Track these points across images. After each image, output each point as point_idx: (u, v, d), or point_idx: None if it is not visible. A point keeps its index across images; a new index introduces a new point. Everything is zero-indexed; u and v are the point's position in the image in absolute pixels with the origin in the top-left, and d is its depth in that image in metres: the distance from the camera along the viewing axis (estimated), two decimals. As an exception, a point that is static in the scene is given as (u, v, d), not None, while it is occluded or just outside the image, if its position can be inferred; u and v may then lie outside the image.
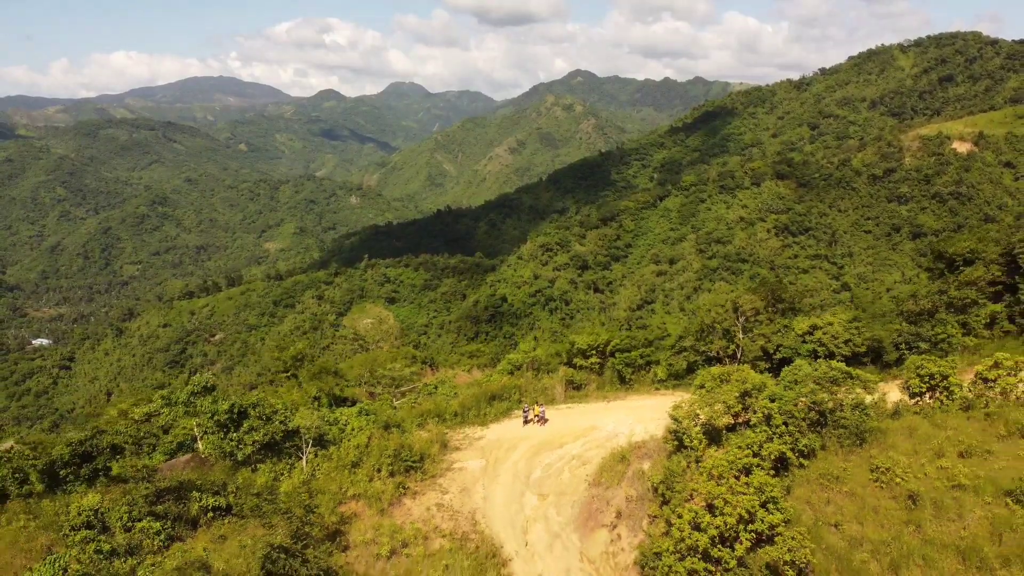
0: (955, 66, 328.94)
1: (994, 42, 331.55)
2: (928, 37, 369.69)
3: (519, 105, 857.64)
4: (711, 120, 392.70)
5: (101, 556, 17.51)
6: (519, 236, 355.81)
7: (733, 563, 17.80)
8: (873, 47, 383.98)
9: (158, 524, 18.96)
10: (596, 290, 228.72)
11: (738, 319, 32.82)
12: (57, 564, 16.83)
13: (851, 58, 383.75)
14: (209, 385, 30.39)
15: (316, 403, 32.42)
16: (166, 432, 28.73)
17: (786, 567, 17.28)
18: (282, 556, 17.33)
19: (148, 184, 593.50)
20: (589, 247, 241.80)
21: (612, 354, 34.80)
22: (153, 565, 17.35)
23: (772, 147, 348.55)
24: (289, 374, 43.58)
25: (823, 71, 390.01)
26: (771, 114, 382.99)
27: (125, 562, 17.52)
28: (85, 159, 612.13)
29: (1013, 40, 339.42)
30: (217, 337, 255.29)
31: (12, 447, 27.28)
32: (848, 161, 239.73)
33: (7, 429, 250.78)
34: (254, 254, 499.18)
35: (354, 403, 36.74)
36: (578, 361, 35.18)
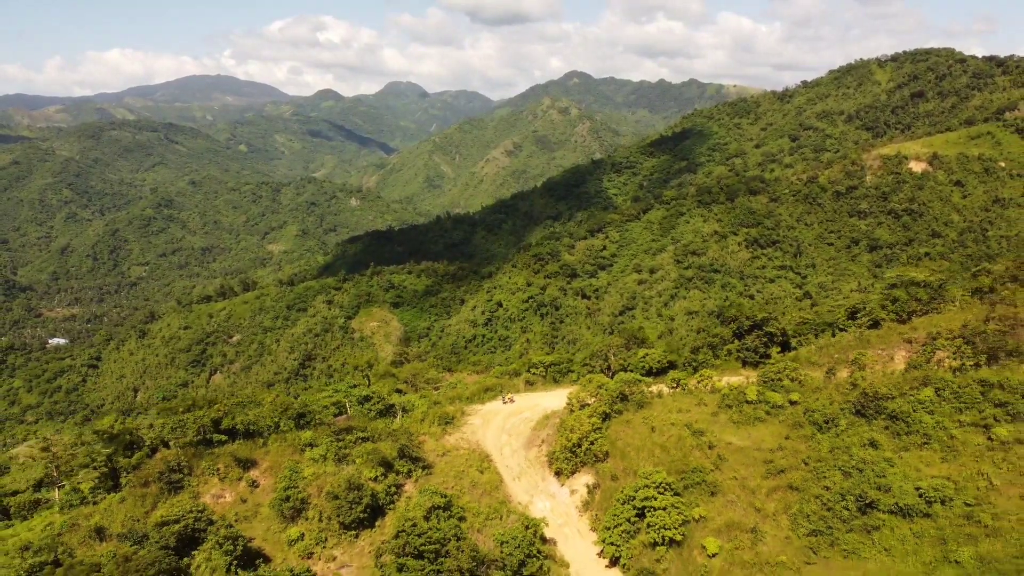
0: (926, 83, 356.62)
1: (963, 60, 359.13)
2: (904, 52, 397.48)
3: (516, 106, 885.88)
4: (698, 130, 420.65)
5: (338, 443, 45.68)
6: (514, 241, 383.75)
7: (582, 452, 46.11)
8: (854, 61, 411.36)
9: (350, 438, 47.14)
10: (584, 297, 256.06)
11: (609, 349, 61.19)
12: (319, 450, 44.78)
13: (831, 71, 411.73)
14: (357, 384, 58.56)
15: (395, 392, 60.79)
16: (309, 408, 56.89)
17: (600, 453, 45.56)
18: (406, 447, 45.22)
19: (152, 186, 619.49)
20: (578, 256, 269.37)
21: (550, 366, 63.22)
22: (357, 450, 45.46)
23: (754, 158, 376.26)
24: (363, 374, 70.42)
25: (805, 83, 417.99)
26: (755, 125, 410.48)
27: (347, 444, 45.68)
28: (90, 161, 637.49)
29: (984, 57, 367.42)
30: (235, 339, 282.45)
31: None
32: (815, 178, 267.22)
33: (41, 423, 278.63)
34: (258, 256, 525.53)
35: (404, 393, 64.95)
36: (533, 369, 63.53)
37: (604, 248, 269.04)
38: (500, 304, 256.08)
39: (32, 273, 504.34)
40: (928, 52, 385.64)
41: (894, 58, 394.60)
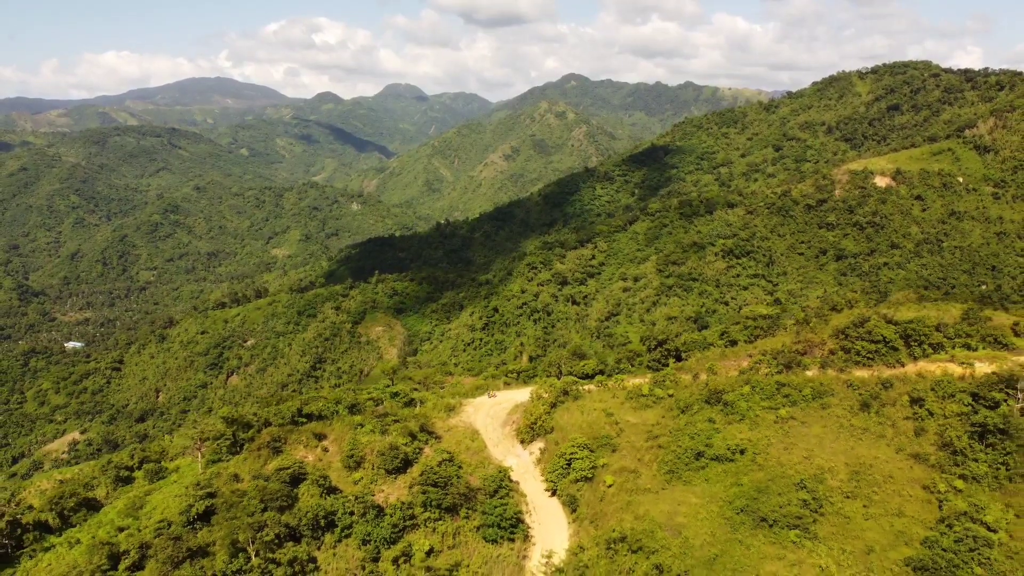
0: (902, 96, 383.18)
1: (937, 74, 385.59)
2: (884, 65, 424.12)
3: (514, 108, 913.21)
4: (687, 139, 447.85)
5: (381, 423, 72.72)
6: (511, 247, 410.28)
7: (537, 428, 73.83)
8: (836, 72, 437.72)
9: (388, 419, 74.07)
10: (574, 303, 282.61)
11: (561, 360, 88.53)
12: (367, 428, 71.85)
13: (815, 83, 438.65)
14: (389, 384, 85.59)
15: (412, 391, 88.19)
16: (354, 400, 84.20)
17: (548, 428, 73.28)
18: (424, 425, 72.05)
19: (158, 191, 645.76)
20: (569, 265, 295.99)
21: (521, 372, 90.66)
22: (393, 427, 72.49)
23: (739, 167, 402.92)
24: (389, 378, 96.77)
25: (790, 94, 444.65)
26: (742, 134, 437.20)
27: (386, 423, 72.79)
28: (95, 167, 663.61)
29: (958, 69, 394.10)
30: (249, 343, 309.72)
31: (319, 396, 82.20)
32: (789, 192, 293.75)
33: (70, 423, 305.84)
34: (263, 260, 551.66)
35: (419, 390, 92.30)
36: (509, 374, 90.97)
37: (593, 257, 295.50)
38: (496, 310, 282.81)
39: (44, 278, 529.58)
40: (906, 65, 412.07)
41: (874, 70, 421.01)
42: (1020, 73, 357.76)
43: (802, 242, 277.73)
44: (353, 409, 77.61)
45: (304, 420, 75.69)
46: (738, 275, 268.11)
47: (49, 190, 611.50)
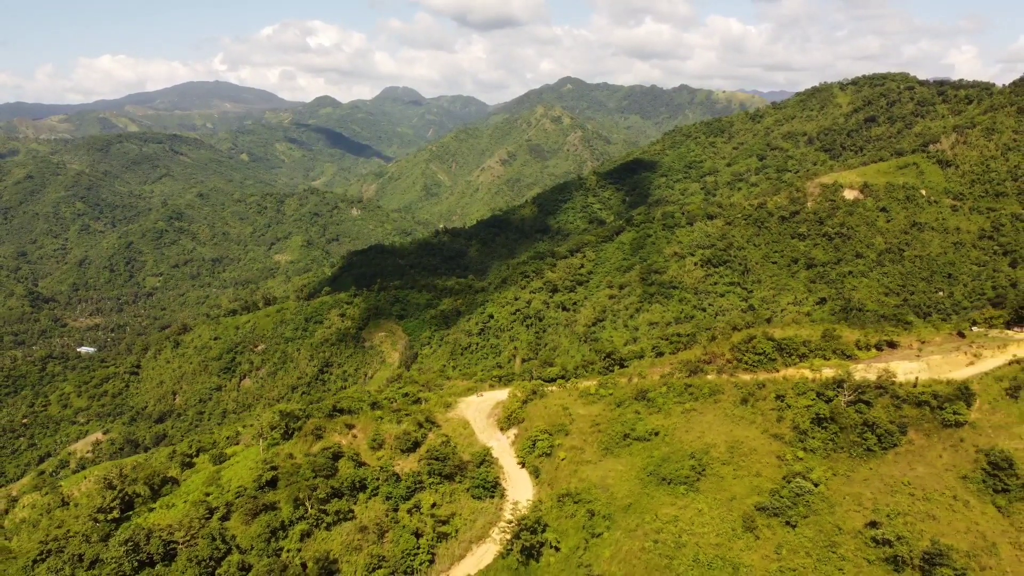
0: (878, 108, 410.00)
1: (911, 87, 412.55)
2: (864, 76, 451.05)
3: (511, 112, 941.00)
4: (676, 148, 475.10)
5: (396, 416, 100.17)
6: (507, 254, 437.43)
7: (513, 419, 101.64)
8: (818, 84, 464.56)
9: (401, 412, 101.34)
10: (564, 309, 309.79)
11: (533, 368, 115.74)
12: (385, 419, 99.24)
13: (798, 94, 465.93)
14: (400, 386, 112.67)
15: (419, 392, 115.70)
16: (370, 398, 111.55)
17: (521, 419, 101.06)
18: (428, 417, 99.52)
19: (161, 197, 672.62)
20: (559, 274, 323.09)
21: (503, 376, 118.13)
22: (405, 419, 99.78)
23: (724, 176, 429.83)
24: (395, 381, 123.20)
25: (775, 105, 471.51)
26: (728, 143, 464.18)
27: (400, 416, 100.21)
28: (99, 174, 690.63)
29: (934, 81, 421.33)
30: (260, 348, 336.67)
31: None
32: (764, 204, 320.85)
33: (92, 424, 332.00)
34: (266, 266, 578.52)
35: (424, 391, 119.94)
36: (492, 379, 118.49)
37: (582, 266, 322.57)
38: (492, 316, 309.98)
39: (53, 284, 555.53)
40: (884, 77, 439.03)
41: (854, 82, 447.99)
42: (989, 87, 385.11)
43: (776, 252, 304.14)
44: (374, 406, 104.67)
45: (337, 414, 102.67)
46: (715, 283, 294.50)
47: (55, 197, 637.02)
